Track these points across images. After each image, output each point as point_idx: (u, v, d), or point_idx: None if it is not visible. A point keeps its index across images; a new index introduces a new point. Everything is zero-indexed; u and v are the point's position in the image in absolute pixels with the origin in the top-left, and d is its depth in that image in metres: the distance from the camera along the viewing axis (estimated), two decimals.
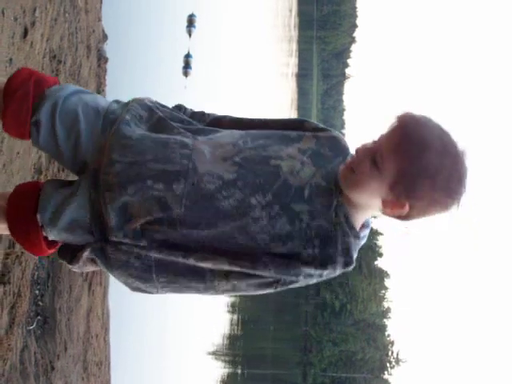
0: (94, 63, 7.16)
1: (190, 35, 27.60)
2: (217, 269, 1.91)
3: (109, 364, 7.59)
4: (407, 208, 1.83)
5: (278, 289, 1.97)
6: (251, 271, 1.90)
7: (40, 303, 5.04)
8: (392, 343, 64.55)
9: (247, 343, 53.90)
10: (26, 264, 4.49)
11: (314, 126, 2.10)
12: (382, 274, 65.89)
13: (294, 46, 76.34)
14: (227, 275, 1.92)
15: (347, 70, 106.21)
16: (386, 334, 65.32)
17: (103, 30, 8.07)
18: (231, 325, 52.92)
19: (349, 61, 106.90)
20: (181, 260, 1.91)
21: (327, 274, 1.93)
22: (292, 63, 73.88)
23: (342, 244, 1.92)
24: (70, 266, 2.05)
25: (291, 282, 1.94)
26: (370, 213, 1.99)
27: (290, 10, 76.70)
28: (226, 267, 1.90)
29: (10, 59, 4.08)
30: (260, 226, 1.88)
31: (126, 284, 2.02)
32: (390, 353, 63.92)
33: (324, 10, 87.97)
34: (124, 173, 1.94)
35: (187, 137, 2.00)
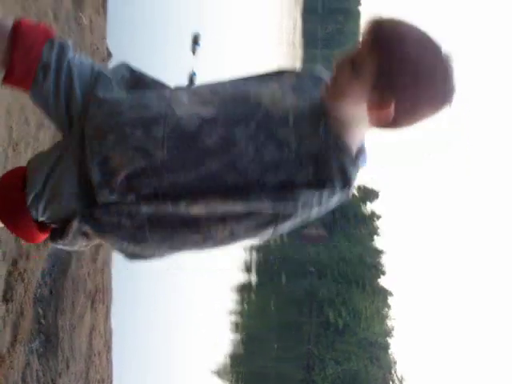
0: None
1: (194, 53, 27.74)
2: (211, 216, 1.85)
3: (111, 382, 7.57)
4: (393, 108, 1.77)
5: (279, 227, 1.89)
6: (246, 205, 1.83)
7: (42, 321, 5.04)
8: (395, 362, 64.25)
9: (250, 362, 53.70)
10: (29, 282, 4.49)
11: (295, 71, 2.10)
12: (385, 293, 65.75)
13: (299, 65, 76.70)
14: (223, 219, 1.85)
15: None
16: (390, 352, 65.05)
17: (107, 48, 8.11)
18: (234, 344, 52.76)
19: None
20: (171, 209, 1.85)
21: (326, 198, 1.86)
22: None
23: (337, 163, 1.85)
24: (61, 243, 2.01)
25: (290, 216, 1.86)
26: (360, 130, 1.92)
27: (295, 28, 77.12)
28: (220, 207, 1.84)
29: None
30: (247, 160, 1.84)
31: (122, 251, 1.96)
32: (393, 371, 63.59)
33: (328, 29, 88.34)
34: (102, 125, 1.93)
35: (166, 91, 2.03)
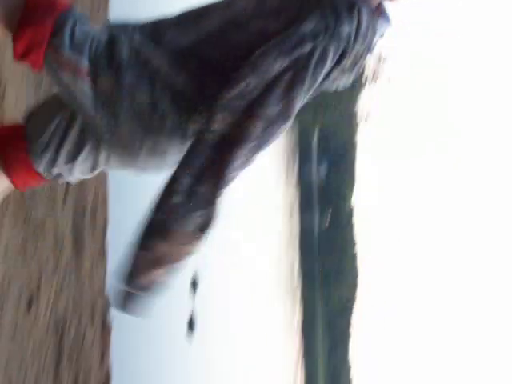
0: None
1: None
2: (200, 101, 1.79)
3: None
4: None
5: (303, 82, 1.71)
6: (255, 71, 1.71)
7: None
8: None
9: None
10: None
11: None
12: None
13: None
14: (217, 103, 1.72)
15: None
16: None
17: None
18: None
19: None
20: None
21: (333, 24, 1.73)
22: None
23: None
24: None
25: (298, 61, 1.70)
26: None
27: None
28: (233, 98, 1.70)
29: None
30: (248, 14, 1.80)
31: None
32: None
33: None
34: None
35: None
